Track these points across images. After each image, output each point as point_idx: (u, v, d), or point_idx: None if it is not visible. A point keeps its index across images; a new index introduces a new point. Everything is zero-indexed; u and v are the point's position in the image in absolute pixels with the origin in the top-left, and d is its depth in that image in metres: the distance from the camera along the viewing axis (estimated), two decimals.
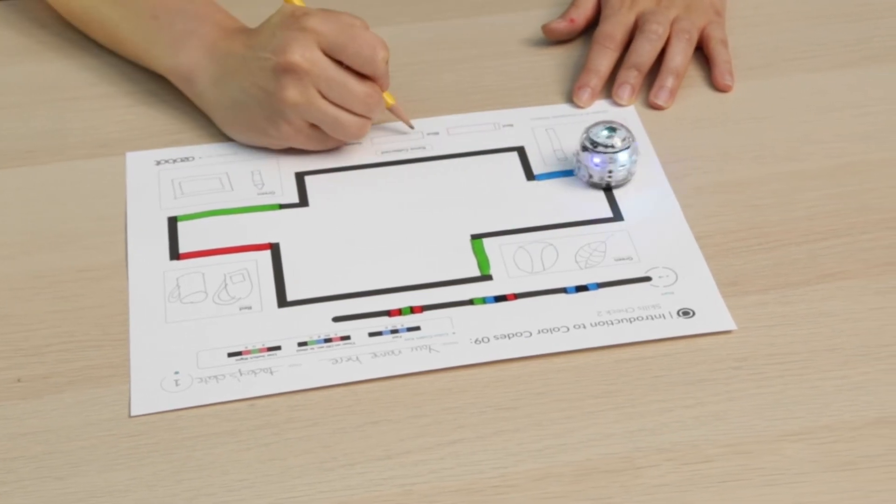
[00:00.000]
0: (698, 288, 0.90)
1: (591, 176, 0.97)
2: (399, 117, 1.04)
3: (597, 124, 0.97)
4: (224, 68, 1.00)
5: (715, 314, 0.88)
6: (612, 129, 0.97)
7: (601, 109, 1.06)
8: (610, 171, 0.96)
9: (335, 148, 1.02)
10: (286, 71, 0.96)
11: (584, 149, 0.97)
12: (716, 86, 1.07)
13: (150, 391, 0.85)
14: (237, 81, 0.99)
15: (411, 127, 1.04)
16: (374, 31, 0.98)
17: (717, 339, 0.87)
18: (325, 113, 0.98)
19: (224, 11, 1.05)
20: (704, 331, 0.87)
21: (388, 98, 1.02)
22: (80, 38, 1.13)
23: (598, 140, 0.96)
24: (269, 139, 1.01)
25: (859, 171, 1.00)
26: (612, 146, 0.96)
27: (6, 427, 0.83)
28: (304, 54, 0.96)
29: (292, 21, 0.97)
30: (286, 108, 0.97)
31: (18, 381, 0.86)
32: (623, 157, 0.96)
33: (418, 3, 1.17)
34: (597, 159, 0.96)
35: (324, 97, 0.97)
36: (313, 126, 0.99)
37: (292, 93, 0.96)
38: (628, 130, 0.97)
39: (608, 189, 0.97)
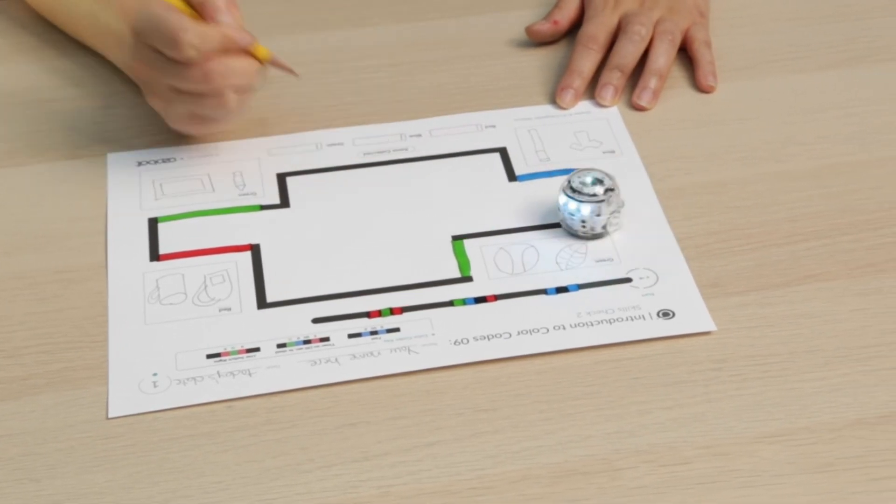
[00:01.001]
0: (679, 289, 0.90)
1: (579, 225, 0.93)
2: (280, 67, 0.99)
3: (581, 171, 0.93)
4: None
5: (695, 315, 0.88)
6: (599, 180, 0.92)
7: (584, 111, 1.06)
8: (596, 222, 0.93)
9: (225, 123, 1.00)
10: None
11: (565, 194, 0.93)
12: (699, 87, 1.07)
13: (128, 393, 0.84)
14: None
15: (296, 74, 1.00)
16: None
17: (696, 340, 0.87)
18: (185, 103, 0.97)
19: None
20: (684, 332, 0.87)
21: (262, 51, 0.98)
22: (61, 39, 1.13)
23: (578, 187, 0.93)
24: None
25: (842, 172, 0.99)
26: (594, 195, 0.92)
27: None
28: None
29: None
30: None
31: None
32: (592, 209, 0.92)
33: (400, 3, 1.17)
34: (586, 209, 0.92)
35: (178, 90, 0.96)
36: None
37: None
38: (612, 180, 0.93)
39: (586, 238, 0.94)
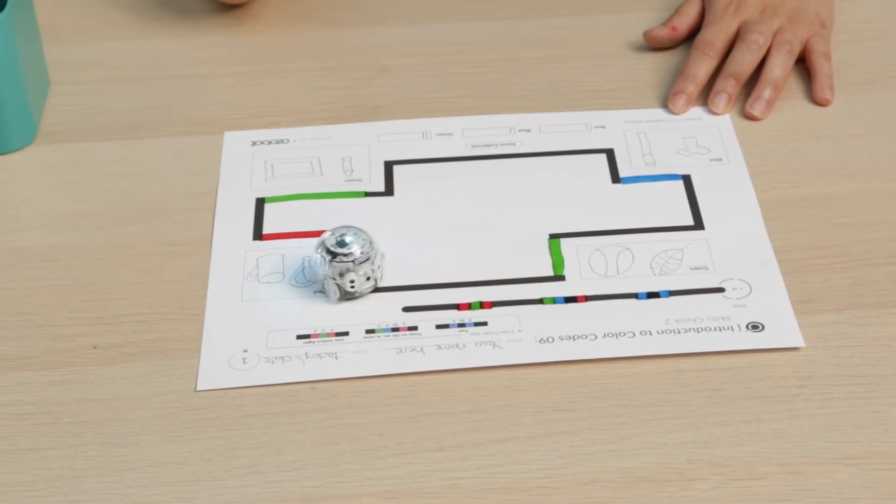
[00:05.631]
0: (771, 302, 0.89)
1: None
2: None
3: (352, 228, 0.90)
4: None
5: (784, 330, 0.87)
6: (345, 239, 0.89)
7: (695, 117, 1.06)
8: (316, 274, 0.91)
9: None
10: None
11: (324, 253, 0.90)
12: (815, 99, 1.06)
13: (217, 367, 0.87)
14: None
15: None
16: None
17: (783, 355, 0.86)
18: None
19: None
20: (771, 346, 0.87)
21: None
22: (190, 17, 1.16)
23: (327, 238, 0.90)
24: None
25: None
26: (329, 251, 0.89)
27: (77, 392, 0.85)
28: None
29: None
30: None
31: (94, 347, 0.88)
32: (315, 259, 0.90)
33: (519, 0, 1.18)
34: (315, 258, 0.90)
35: None
36: None
37: None
38: (367, 249, 0.89)
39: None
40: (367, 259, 0.90)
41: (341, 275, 0.90)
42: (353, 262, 0.89)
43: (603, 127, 1.05)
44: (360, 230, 0.91)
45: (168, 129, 1.07)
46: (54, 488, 0.79)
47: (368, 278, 0.90)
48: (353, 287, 0.90)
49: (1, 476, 0.80)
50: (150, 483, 0.80)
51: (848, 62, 1.09)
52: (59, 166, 1.03)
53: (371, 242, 0.90)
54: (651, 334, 0.88)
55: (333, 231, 0.91)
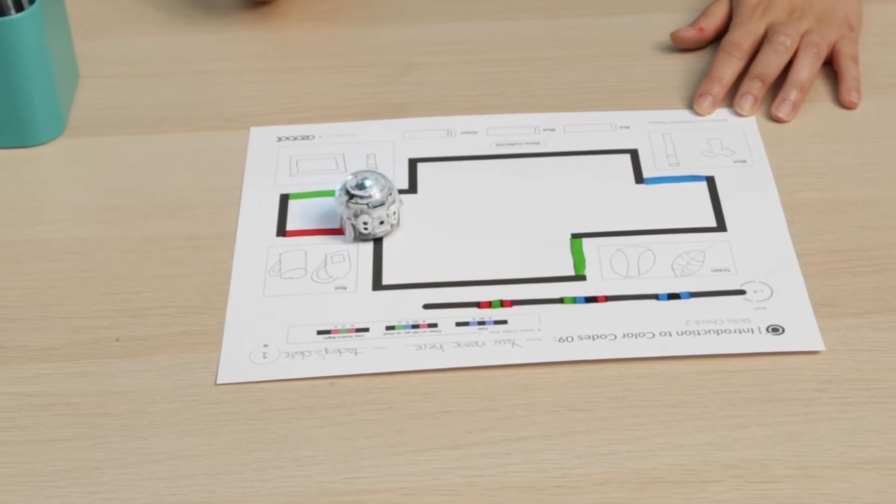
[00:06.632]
0: (792, 306, 0.89)
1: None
2: None
3: (358, 173, 0.95)
4: None
5: (804, 333, 0.87)
6: (365, 182, 0.94)
7: (721, 118, 1.05)
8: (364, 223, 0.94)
9: None
10: None
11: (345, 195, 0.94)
12: (841, 102, 1.06)
13: (238, 361, 0.87)
14: None
15: None
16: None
17: (803, 359, 0.86)
18: None
19: None
20: (791, 349, 0.86)
21: None
22: (218, 13, 1.17)
23: (351, 178, 0.94)
24: None
25: None
26: (351, 194, 0.93)
27: (99, 383, 0.86)
28: None
29: None
30: None
31: (117, 340, 0.89)
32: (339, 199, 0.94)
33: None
34: (340, 199, 0.94)
35: None
36: None
37: None
38: (386, 182, 0.94)
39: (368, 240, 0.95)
40: (382, 204, 0.93)
41: (356, 216, 0.93)
42: (367, 204, 0.93)
43: (627, 127, 1.05)
44: (382, 175, 0.94)
45: (194, 123, 1.07)
46: (73, 479, 0.80)
47: (382, 222, 0.93)
48: (366, 229, 0.93)
49: (21, 466, 0.81)
50: (169, 476, 0.80)
51: (875, 65, 1.09)
52: (87, 159, 1.04)
53: (390, 188, 0.94)
54: (671, 335, 0.88)
55: (356, 174, 0.94)
